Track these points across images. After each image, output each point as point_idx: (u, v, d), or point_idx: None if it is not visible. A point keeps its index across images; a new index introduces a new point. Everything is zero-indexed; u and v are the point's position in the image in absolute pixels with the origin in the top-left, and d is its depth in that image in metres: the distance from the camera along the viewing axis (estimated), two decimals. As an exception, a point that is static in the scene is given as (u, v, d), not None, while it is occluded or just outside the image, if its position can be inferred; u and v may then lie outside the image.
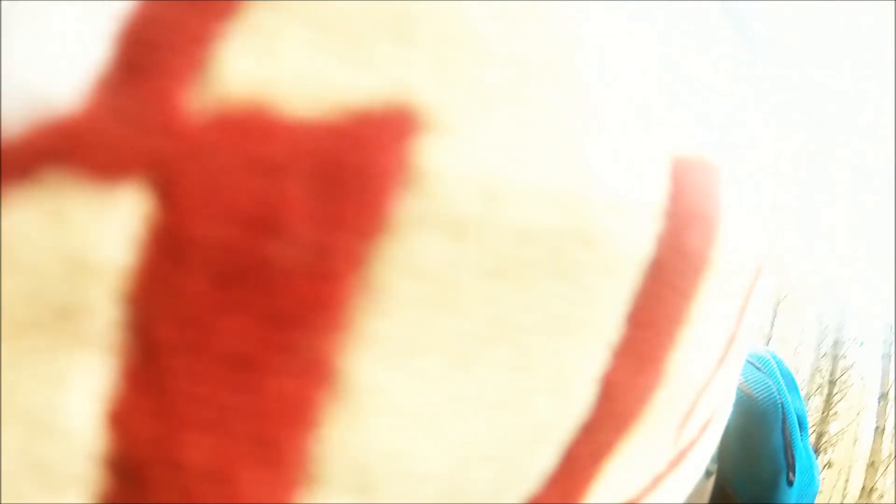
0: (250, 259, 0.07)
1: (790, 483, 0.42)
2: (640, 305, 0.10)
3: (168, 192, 0.07)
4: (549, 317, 0.09)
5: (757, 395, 0.46)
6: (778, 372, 0.45)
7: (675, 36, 0.11)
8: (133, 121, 0.07)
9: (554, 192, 0.09)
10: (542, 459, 0.10)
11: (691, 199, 0.10)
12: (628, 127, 0.10)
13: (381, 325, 0.08)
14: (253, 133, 0.07)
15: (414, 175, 0.08)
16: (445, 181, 0.08)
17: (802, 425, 0.45)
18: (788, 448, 0.40)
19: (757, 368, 0.46)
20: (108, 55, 0.07)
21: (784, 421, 0.42)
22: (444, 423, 0.08)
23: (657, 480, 0.13)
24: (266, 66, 0.07)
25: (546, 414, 0.09)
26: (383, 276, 0.08)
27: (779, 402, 0.43)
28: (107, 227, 0.07)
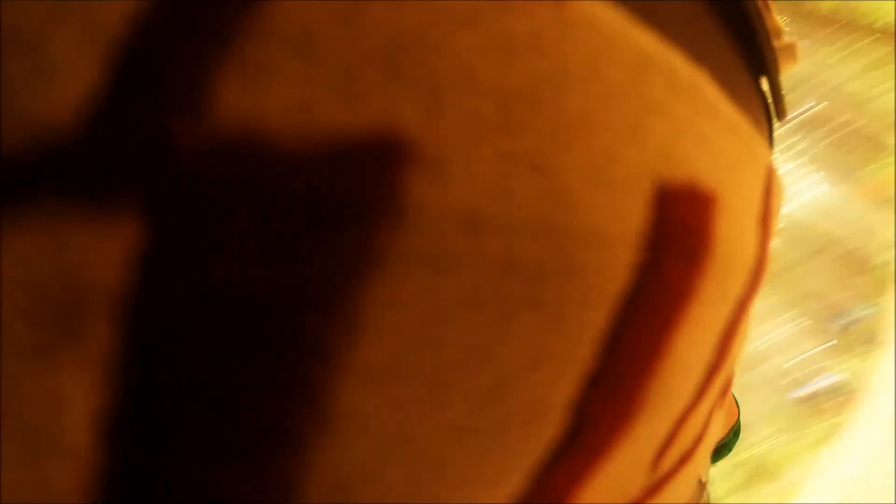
0: (240, 290, 0.07)
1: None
2: (617, 336, 0.10)
3: (163, 220, 0.07)
4: (525, 347, 0.09)
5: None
6: None
7: (665, 58, 0.11)
8: (128, 148, 0.07)
9: (534, 224, 0.09)
10: (514, 484, 0.10)
11: (676, 230, 0.10)
12: (612, 158, 0.10)
13: (363, 354, 0.08)
14: (244, 165, 0.07)
15: (399, 209, 0.08)
16: (430, 215, 0.08)
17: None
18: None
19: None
20: (103, 82, 0.07)
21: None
22: (421, 447, 0.09)
23: None
24: (258, 97, 0.07)
25: (519, 440, 0.09)
26: (368, 308, 0.08)
27: None
28: (104, 252, 0.07)
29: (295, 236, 0.07)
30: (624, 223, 0.10)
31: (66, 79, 0.07)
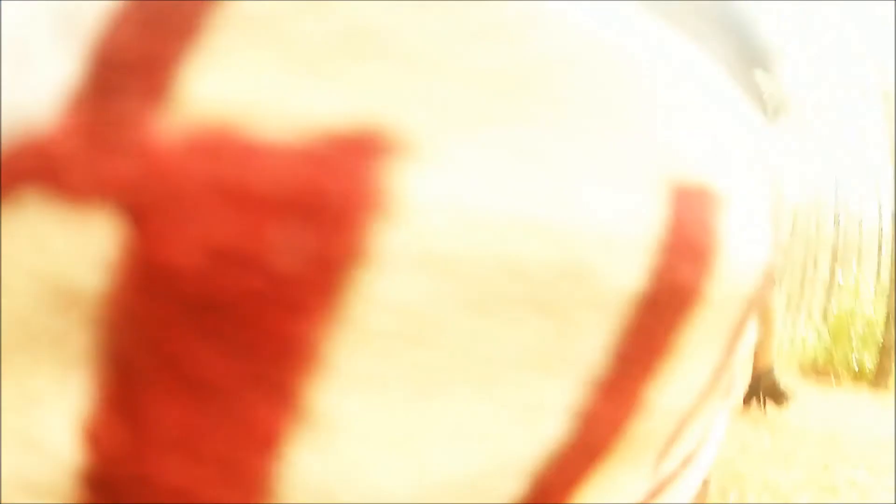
0: (219, 289, 0.07)
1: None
2: (625, 339, 0.10)
3: (139, 217, 0.07)
4: (527, 351, 0.09)
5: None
6: None
7: (675, 55, 0.10)
8: (103, 143, 0.07)
9: (542, 224, 0.08)
10: (511, 489, 0.09)
11: (689, 232, 0.10)
12: (624, 153, 0.09)
13: (350, 357, 0.08)
14: (222, 157, 0.07)
15: (389, 203, 0.07)
16: (422, 208, 0.08)
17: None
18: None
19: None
20: (80, 77, 0.07)
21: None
22: (411, 452, 0.08)
23: None
24: (232, 87, 0.07)
25: (517, 445, 0.09)
26: (356, 309, 0.08)
27: None
28: (82, 251, 0.07)
29: (271, 232, 0.07)
30: (639, 224, 0.09)
31: (44, 75, 0.07)
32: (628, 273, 0.09)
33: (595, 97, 0.09)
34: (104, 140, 0.07)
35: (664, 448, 0.12)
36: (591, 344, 0.09)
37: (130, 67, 0.07)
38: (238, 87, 0.07)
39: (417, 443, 0.08)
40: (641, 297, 0.09)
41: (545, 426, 0.09)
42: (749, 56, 0.15)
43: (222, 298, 0.07)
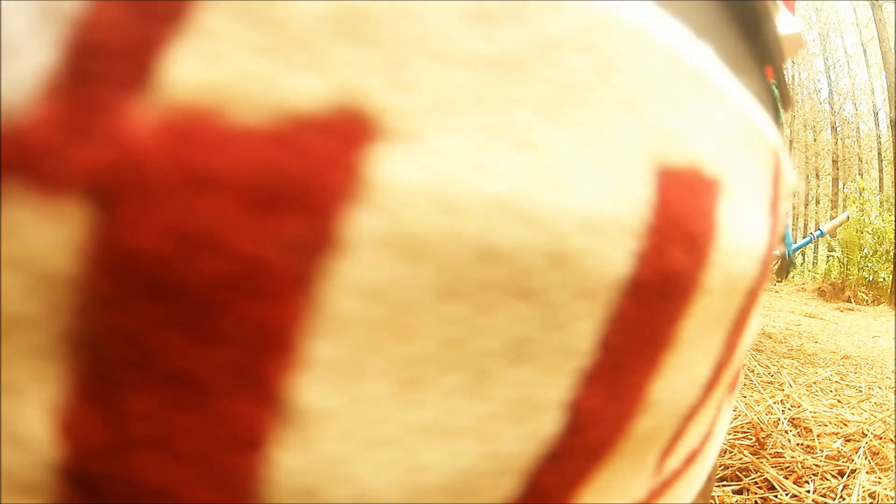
0: (186, 275, 0.07)
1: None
2: (616, 328, 0.09)
3: (110, 203, 0.07)
4: (510, 340, 0.08)
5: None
6: None
7: (667, 36, 0.10)
8: (78, 131, 0.07)
9: (520, 205, 0.08)
10: (505, 489, 0.09)
11: (679, 216, 0.10)
12: (610, 133, 0.09)
13: (326, 346, 0.07)
14: (193, 143, 0.07)
15: (364, 187, 0.07)
16: (399, 194, 0.07)
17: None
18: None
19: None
20: (60, 63, 0.07)
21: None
22: (396, 449, 0.08)
23: None
24: (212, 71, 0.07)
25: (508, 442, 0.09)
26: (329, 296, 0.07)
27: None
28: (55, 237, 0.07)
29: (244, 219, 0.07)
30: (622, 206, 0.09)
31: (26, 62, 0.07)
32: (612, 257, 0.09)
33: (587, 79, 0.09)
34: (79, 128, 0.07)
35: (667, 446, 0.12)
36: (579, 333, 0.09)
37: (112, 52, 0.07)
38: (218, 72, 0.07)
39: (405, 440, 0.08)
40: (630, 283, 0.09)
41: (537, 422, 0.09)
42: (757, 51, 0.15)
43: (190, 284, 0.07)
